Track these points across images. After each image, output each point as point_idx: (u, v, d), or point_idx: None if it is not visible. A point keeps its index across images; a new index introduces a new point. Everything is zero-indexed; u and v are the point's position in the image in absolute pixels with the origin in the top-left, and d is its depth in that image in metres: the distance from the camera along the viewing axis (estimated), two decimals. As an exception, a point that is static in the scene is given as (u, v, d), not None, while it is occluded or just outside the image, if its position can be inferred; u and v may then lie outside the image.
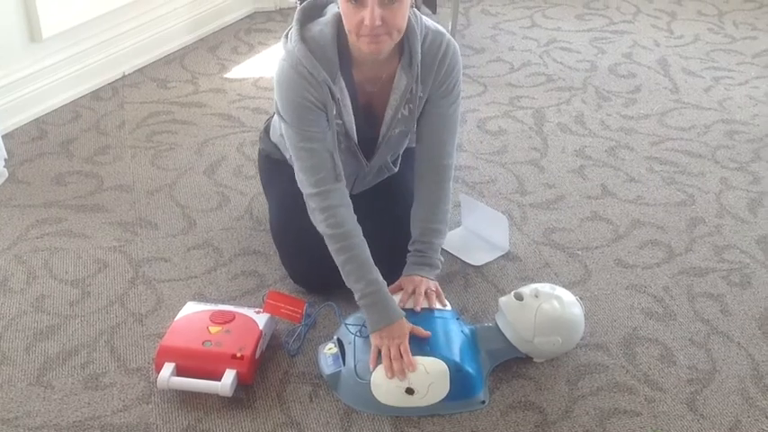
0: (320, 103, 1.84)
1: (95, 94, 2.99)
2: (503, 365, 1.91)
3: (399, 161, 2.18)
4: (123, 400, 1.81)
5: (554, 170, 2.64)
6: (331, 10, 1.87)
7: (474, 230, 2.35)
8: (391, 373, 1.77)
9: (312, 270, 2.10)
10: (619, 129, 2.87)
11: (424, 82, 1.91)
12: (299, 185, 1.92)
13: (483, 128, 2.86)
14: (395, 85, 1.89)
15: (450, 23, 3.10)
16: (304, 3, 1.89)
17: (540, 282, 2.06)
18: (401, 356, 1.78)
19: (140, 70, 3.15)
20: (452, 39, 1.93)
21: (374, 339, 1.82)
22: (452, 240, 2.32)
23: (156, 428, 1.75)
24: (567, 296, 1.93)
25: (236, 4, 3.55)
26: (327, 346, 1.92)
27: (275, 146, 2.20)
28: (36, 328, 2.00)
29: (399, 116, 1.93)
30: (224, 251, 2.26)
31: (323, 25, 1.83)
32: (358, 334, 1.87)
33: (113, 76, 3.08)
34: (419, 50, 1.86)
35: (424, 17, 1.90)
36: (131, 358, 1.92)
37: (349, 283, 1.87)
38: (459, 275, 2.20)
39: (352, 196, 1.98)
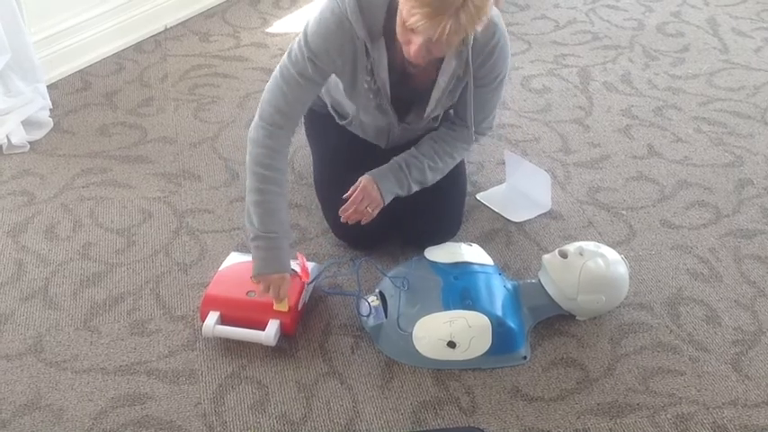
0: (348, 59, 1.80)
1: (138, 47, 2.99)
2: (545, 323, 1.91)
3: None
4: (169, 347, 1.84)
5: (599, 129, 2.61)
6: None
7: (517, 187, 2.33)
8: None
9: (354, 225, 2.10)
10: (666, 88, 2.81)
11: (470, 65, 1.85)
12: (260, 105, 1.86)
13: (527, 86, 2.82)
14: (444, 67, 1.82)
15: (494, -21, 3.06)
16: None
17: (584, 241, 2.04)
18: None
19: (182, 23, 3.15)
20: (504, 28, 1.85)
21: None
22: (495, 197, 2.31)
23: (201, 375, 1.77)
24: (611, 254, 1.91)
25: (278, -42, 3.52)
26: (370, 299, 1.92)
27: (320, 99, 2.19)
28: (83, 275, 2.03)
29: (446, 95, 1.89)
30: (266, 204, 2.26)
31: None
32: (401, 287, 1.87)
33: (156, 28, 3.08)
34: (471, 42, 1.77)
35: None
36: (176, 306, 1.94)
37: (248, 221, 1.83)
38: (501, 233, 2.19)
39: (384, 151, 2.01)
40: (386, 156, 2.09)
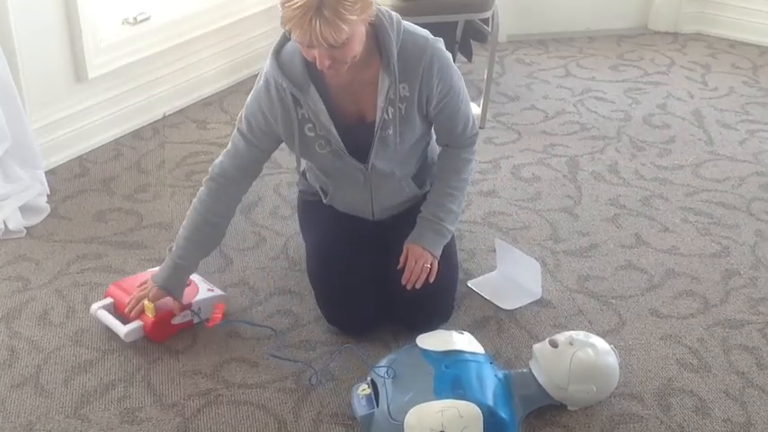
0: (279, 115, 1.94)
1: (137, 134, 3.06)
2: (536, 413, 1.91)
3: (427, 183, 2.20)
4: (158, 436, 1.83)
5: (588, 218, 2.65)
6: None
7: (507, 275, 2.36)
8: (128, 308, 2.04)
9: (347, 312, 2.12)
10: (653, 179, 2.88)
11: (410, 83, 1.93)
12: (218, 160, 2.06)
13: (517, 174, 2.88)
14: (379, 87, 1.92)
15: (485, 72, 3.15)
16: None
17: (574, 329, 2.06)
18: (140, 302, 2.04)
19: (180, 111, 3.22)
20: (436, 44, 1.94)
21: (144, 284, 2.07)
22: (486, 284, 2.34)
23: (190, 465, 1.77)
24: (601, 344, 1.93)
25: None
26: (361, 387, 1.92)
27: (310, 186, 2.24)
28: (74, 362, 2.03)
29: (389, 116, 1.95)
30: (259, 290, 2.29)
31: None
32: (386, 376, 1.88)
33: (154, 116, 3.15)
34: (394, 52, 1.88)
35: (405, 22, 1.93)
36: (167, 394, 1.94)
37: (179, 235, 2.06)
38: (492, 321, 2.21)
39: (381, 224, 2.14)
40: (376, 234, 2.14)
